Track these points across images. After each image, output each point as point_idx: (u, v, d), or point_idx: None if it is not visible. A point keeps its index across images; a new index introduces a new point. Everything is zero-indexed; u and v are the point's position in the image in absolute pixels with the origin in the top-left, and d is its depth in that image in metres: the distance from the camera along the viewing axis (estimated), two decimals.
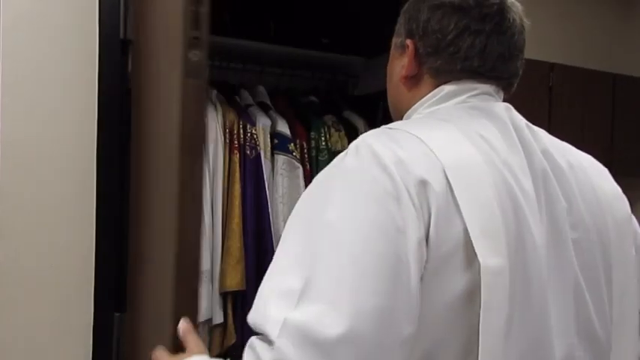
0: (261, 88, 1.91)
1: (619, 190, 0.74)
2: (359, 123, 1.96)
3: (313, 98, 2.03)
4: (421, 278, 0.54)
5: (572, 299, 0.62)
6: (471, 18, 0.69)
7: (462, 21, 0.69)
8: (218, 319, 1.63)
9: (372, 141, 0.61)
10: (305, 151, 1.82)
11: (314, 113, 1.91)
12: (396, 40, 0.76)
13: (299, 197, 1.79)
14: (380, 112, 2.07)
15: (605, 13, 3.18)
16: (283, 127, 1.77)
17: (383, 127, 0.67)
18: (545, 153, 0.67)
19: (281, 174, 1.75)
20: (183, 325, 0.79)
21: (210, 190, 1.62)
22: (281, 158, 1.75)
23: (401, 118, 0.76)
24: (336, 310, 0.51)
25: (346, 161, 0.62)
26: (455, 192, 0.56)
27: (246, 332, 1.65)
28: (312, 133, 1.83)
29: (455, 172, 0.58)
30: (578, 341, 0.62)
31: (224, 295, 1.65)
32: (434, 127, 0.65)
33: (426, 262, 0.54)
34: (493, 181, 0.59)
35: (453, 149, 0.60)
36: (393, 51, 0.77)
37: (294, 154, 1.76)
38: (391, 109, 0.81)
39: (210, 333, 1.63)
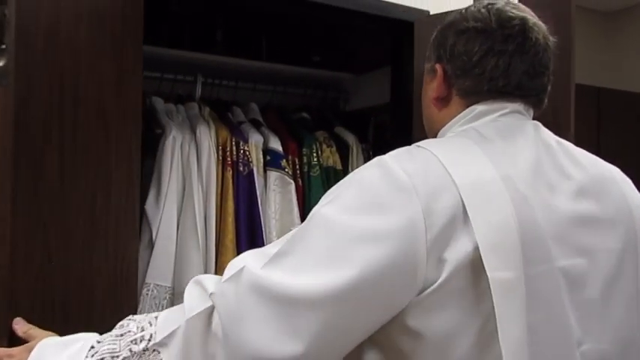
0: (254, 105, 1.94)
1: None
2: (350, 138, 1.99)
3: (305, 115, 2.06)
4: (424, 291, 0.57)
5: (594, 301, 0.65)
6: (494, 40, 0.73)
7: (485, 43, 0.73)
8: None
9: (390, 159, 0.65)
10: (297, 167, 1.84)
11: (305, 129, 1.94)
12: (427, 66, 0.82)
13: (291, 213, 1.81)
14: (371, 128, 2.11)
15: (588, 29, 3.27)
16: (275, 144, 1.79)
17: (414, 144, 0.71)
18: (578, 166, 0.71)
19: (273, 190, 1.77)
20: (19, 324, 0.82)
21: (204, 206, 1.63)
22: (273, 174, 1.77)
23: (435, 136, 0.80)
24: (295, 279, 0.57)
25: (363, 172, 0.66)
26: (467, 209, 0.59)
27: None
28: (304, 149, 1.85)
29: (468, 190, 0.60)
30: (610, 347, 0.65)
31: None
32: (456, 147, 0.69)
33: (429, 283, 0.57)
34: (510, 198, 0.61)
35: (469, 168, 0.64)
36: (425, 76, 0.83)
37: (286, 170, 1.78)
38: (426, 129, 0.86)
39: None
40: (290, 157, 1.82)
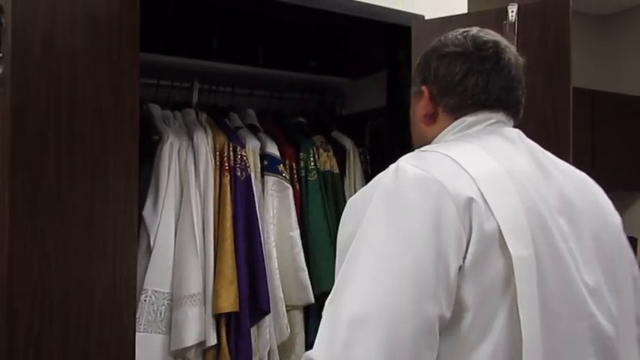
0: (250, 111, 1.94)
1: (612, 206, 0.86)
2: (347, 143, 1.99)
3: (301, 119, 2.06)
4: (461, 272, 0.65)
5: (590, 281, 0.74)
6: (473, 61, 0.83)
7: (465, 64, 0.83)
8: (212, 340, 1.62)
9: (407, 164, 0.72)
10: (294, 171, 1.84)
11: (302, 134, 1.94)
12: (413, 89, 0.92)
13: (289, 217, 1.80)
14: (367, 132, 2.12)
15: (583, 32, 3.29)
16: (272, 149, 1.80)
17: (416, 150, 0.80)
18: (557, 168, 0.82)
19: (271, 195, 1.77)
20: None
21: (202, 212, 1.62)
22: (271, 179, 1.77)
23: None
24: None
25: (388, 186, 0.72)
26: (487, 199, 0.68)
27: (240, 353, 1.64)
28: (301, 154, 1.85)
29: (484, 182, 0.70)
30: (598, 312, 0.73)
31: (217, 317, 1.64)
32: (460, 148, 0.78)
33: (467, 255, 0.66)
34: (516, 189, 0.71)
35: (479, 164, 0.73)
36: (412, 98, 0.92)
37: (283, 174, 1.78)
38: (416, 144, 0.93)
39: (204, 355, 1.62)
40: (287, 162, 1.82)
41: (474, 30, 0.86)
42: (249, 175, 1.71)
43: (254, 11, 1.60)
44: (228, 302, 1.61)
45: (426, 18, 1.65)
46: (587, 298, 0.72)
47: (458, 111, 0.84)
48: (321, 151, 1.91)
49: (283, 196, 1.77)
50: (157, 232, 1.55)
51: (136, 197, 1.07)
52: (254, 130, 1.87)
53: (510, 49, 0.86)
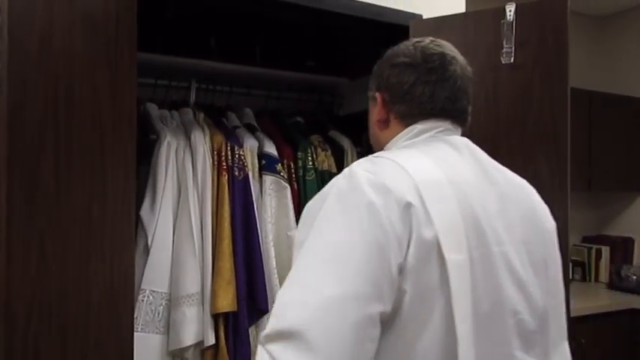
0: (248, 110, 1.94)
1: (549, 213, 0.94)
2: (344, 142, 1.99)
3: (299, 119, 2.06)
4: (401, 271, 0.70)
5: (521, 281, 0.81)
6: (420, 72, 0.89)
7: (413, 75, 0.89)
8: (210, 340, 1.61)
9: (359, 169, 0.77)
10: (292, 170, 1.84)
11: (300, 133, 1.94)
12: (369, 94, 0.98)
13: (287, 217, 1.80)
14: (365, 131, 2.11)
15: (579, 33, 3.30)
16: (270, 148, 1.79)
17: (370, 156, 0.84)
18: (501, 174, 0.88)
19: (269, 194, 1.76)
20: None
21: (199, 212, 1.62)
22: (269, 179, 1.77)
23: (381, 150, 0.94)
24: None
25: (341, 187, 0.77)
26: (426, 205, 0.73)
27: (238, 352, 1.64)
28: (299, 153, 1.85)
29: (425, 190, 0.75)
30: (525, 309, 0.79)
31: (215, 317, 1.64)
32: (408, 155, 0.82)
33: (408, 257, 0.71)
34: (454, 196, 0.77)
35: (423, 171, 0.78)
36: (369, 102, 0.99)
37: (281, 174, 1.77)
38: (373, 144, 1.02)
39: (202, 355, 1.62)
40: (285, 161, 1.82)
41: (426, 41, 0.92)
42: (247, 174, 1.71)
43: (252, 11, 1.59)
44: (227, 302, 1.61)
45: (424, 17, 1.65)
46: (514, 297, 0.78)
47: (408, 118, 0.90)
48: (319, 150, 1.91)
49: (281, 195, 1.76)
50: (154, 232, 1.54)
51: (133, 197, 1.07)
52: (252, 130, 1.86)
53: (458, 60, 0.91)
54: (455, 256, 0.72)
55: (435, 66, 0.88)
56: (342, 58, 2.12)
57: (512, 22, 1.38)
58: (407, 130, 0.90)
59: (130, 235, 1.07)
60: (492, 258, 0.77)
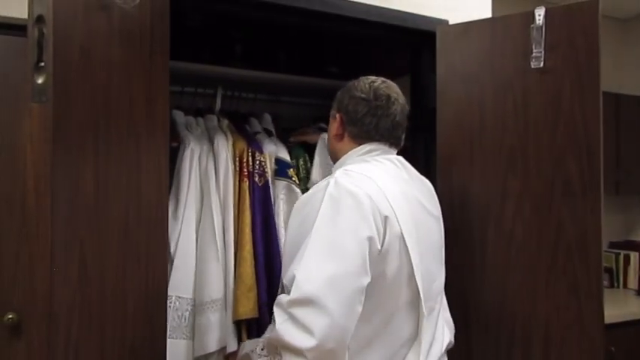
0: (267, 116, 1.94)
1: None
2: None
3: (323, 125, 2.06)
4: (379, 253, 1.04)
5: (436, 252, 1.23)
6: (370, 107, 1.21)
7: (365, 108, 1.21)
8: (232, 346, 1.62)
9: (344, 181, 1.07)
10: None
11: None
12: (332, 111, 1.29)
13: None
14: None
15: (606, 36, 3.25)
16: (283, 153, 1.79)
17: (343, 169, 1.13)
18: (421, 181, 1.25)
19: (281, 199, 1.76)
20: None
21: (222, 218, 1.63)
22: (281, 183, 1.76)
23: (336, 158, 1.27)
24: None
25: (333, 194, 1.05)
26: (396, 213, 1.07)
27: None
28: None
29: (392, 197, 1.08)
30: (436, 267, 1.22)
31: (237, 322, 1.64)
32: (370, 170, 1.13)
33: (384, 245, 1.05)
34: (406, 200, 1.13)
35: (387, 183, 1.11)
36: (330, 116, 1.29)
37: (292, 179, 1.77)
38: (329, 152, 1.34)
39: None
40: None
41: (378, 82, 1.23)
42: (268, 180, 1.71)
43: (276, 19, 1.61)
44: (248, 308, 1.61)
45: (450, 23, 1.64)
46: (432, 257, 1.20)
47: (358, 138, 1.22)
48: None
49: (292, 200, 1.75)
50: (178, 238, 1.55)
51: (166, 204, 1.08)
52: (269, 134, 1.87)
53: (399, 101, 1.23)
54: (412, 244, 1.10)
55: (381, 104, 1.21)
56: (367, 64, 2.11)
57: (542, 26, 1.36)
58: (359, 147, 1.21)
59: (164, 242, 1.08)
60: (425, 230, 1.17)
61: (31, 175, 0.82)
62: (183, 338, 1.57)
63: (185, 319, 1.57)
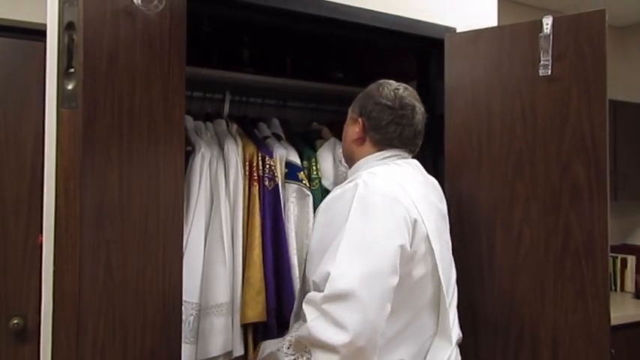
0: (275, 120, 1.95)
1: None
2: None
3: (315, 125, 2.06)
4: (407, 257, 1.08)
5: (449, 250, 1.29)
6: (395, 115, 1.22)
7: (390, 116, 1.22)
8: (239, 351, 1.62)
9: (373, 182, 1.10)
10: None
11: (306, 143, 1.93)
12: (351, 114, 1.29)
13: (307, 224, 1.91)
14: None
15: None
16: (294, 157, 1.79)
17: (368, 171, 1.15)
18: (434, 184, 1.30)
19: (292, 202, 1.76)
20: None
21: (231, 222, 1.63)
22: (292, 187, 1.76)
23: (352, 162, 1.28)
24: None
25: (362, 195, 1.08)
26: (420, 212, 1.11)
27: None
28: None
29: (417, 201, 1.12)
30: (451, 264, 1.29)
31: (244, 327, 1.64)
32: (396, 173, 1.17)
33: (412, 246, 1.09)
34: (427, 203, 1.17)
35: (412, 186, 1.15)
36: (348, 120, 1.30)
37: (303, 182, 1.78)
38: (345, 156, 1.35)
39: None
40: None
41: (401, 89, 1.24)
42: (277, 184, 1.72)
43: (284, 25, 1.62)
44: (256, 312, 1.61)
45: (457, 30, 1.66)
46: (448, 256, 1.26)
47: (379, 144, 1.23)
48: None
49: (303, 203, 1.76)
50: (187, 243, 1.55)
51: (182, 209, 1.09)
52: (278, 139, 1.88)
53: (421, 108, 1.26)
54: (437, 247, 1.15)
55: (406, 114, 1.22)
56: (374, 70, 2.14)
57: (550, 35, 1.39)
58: (379, 153, 1.23)
59: (180, 246, 1.09)
60: (441, 231, 1.22)
61: (62, 179, 0.82)
62: (187, 342, 1.56)
63: (189, 323, 1.57)
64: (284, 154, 1.79)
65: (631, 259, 3.10)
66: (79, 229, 0.81)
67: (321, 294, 0.99)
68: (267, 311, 1.63)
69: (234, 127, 1.80)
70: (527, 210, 1.44)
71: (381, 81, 1.28)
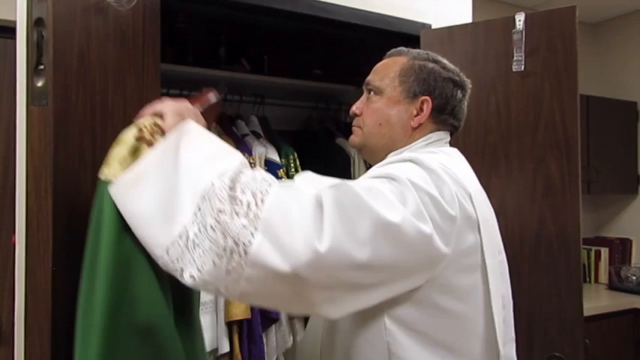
0: (254, 118, 1.95)
1: None
2: (352, 150, 2.02)
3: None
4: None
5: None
6: (464, 93, 1.01)
7: (460, 93, 1.00)
8: (225, 348, 1.62)
9: (429, 162, 0.85)
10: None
11: (283, 139, 1.93)
12: (402, 89, 0.98)
13: None
14: None
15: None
16: (273, 154, 1.80)
17: (413, 156, 0.89)
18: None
19: None
20: None
21: None
22: None
23: (384, 152, 0.99)
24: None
25: (414, 169, 0.84)
26: (476, 209, 0.87)
27: (253, 359, 1.65)
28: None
29: (474, 196, 0.88)
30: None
31: (229, 324, 1.64)
32: (444, 160, 0.90)
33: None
34: (487, 206, 0.92)
35: (463, 172, 0.91)
36: (397, 97, 0.99)
37: (283, 179, 1.78)
38: (374, 144, 1.01)
39: None
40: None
41: (445, 61, 1.01)
42: None
43: (261, 21, 1.62)
44: (240, 310, 1.62)
45: (433, 27, 1.68)
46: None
47: (439, 125, 0.99)
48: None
49: None
50: None
51: None
52: (257, 137, 1.88)
53: None
54: (490, 261, 0.88)
55: (468, 91, 1.02)
56: (349, 67, 2.15)
57: (522, 31, 1.41)
58: (426, 137, 0.97)
59: None
60: (500, 246, 0.97)
61: (32, 178, 0.81)
62: None
63: None
64: (263, 152, 1.79)
65: (604, 251, 3.18)
66: (51, 230, 0.80)
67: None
68: (251, 308, 1.63)
69: (213, 124, 1.79)
70: (503, 204, 1.47)
71: (429, 54, 1.03)
